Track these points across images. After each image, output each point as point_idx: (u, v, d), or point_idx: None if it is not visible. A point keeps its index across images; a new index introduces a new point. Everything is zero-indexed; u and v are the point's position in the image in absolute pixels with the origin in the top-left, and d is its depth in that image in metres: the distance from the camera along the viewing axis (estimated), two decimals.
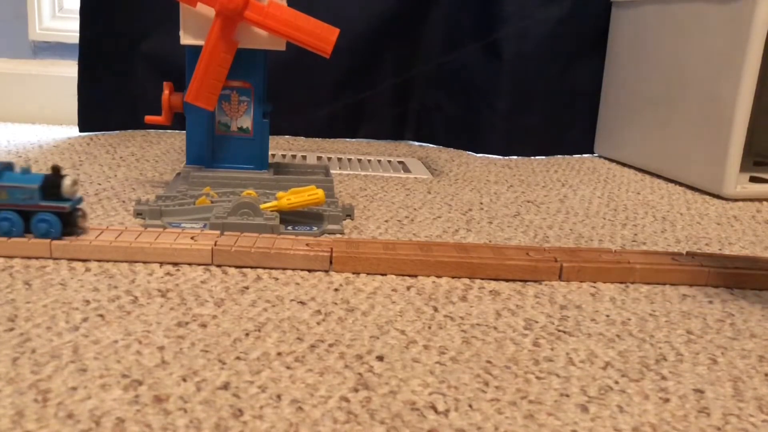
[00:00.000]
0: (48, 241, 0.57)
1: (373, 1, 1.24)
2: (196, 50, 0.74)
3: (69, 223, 0.59)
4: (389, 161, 1.13)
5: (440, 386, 0.41)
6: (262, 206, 0.67)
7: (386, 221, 0.76)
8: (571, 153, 1.32)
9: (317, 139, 1.31)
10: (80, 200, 0.60)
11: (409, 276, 0.59)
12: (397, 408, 0.38)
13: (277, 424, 0.36)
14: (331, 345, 0.45)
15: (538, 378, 0.43)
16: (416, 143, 1.35)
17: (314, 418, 0.37)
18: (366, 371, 0.42)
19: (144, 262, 0.58)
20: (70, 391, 0.38)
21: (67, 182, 0.58)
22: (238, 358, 0.43)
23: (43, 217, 0.58)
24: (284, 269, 0.59)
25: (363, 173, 1.02)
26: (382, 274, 0.59)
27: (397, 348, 0.46)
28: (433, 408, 0.39)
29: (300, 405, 0.38)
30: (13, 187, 0.57)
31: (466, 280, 0.59)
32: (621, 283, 0.61)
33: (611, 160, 1.27)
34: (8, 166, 0.58)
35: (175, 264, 0.58)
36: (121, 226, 0.63)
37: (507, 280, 0.60)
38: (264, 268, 0.59)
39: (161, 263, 0.58)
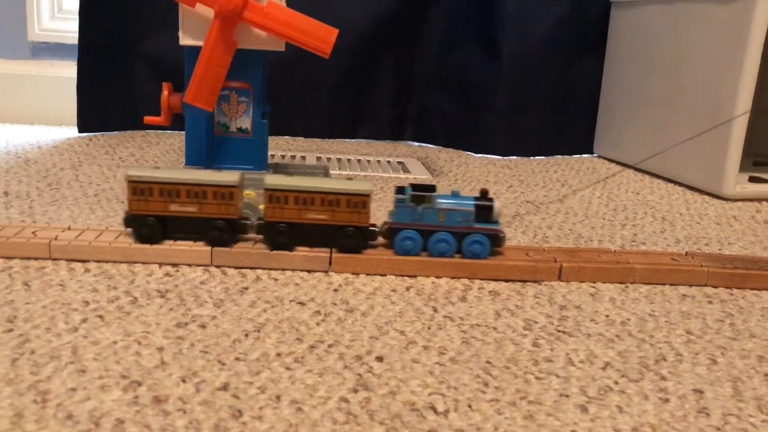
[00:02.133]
0: (47, 241, 0.57)
1: (372, 2, 1.24)
2: (195, 51, 0.74)
3: (496, 244, 0.60)
4: (389, 162, 1.13)
5: (440, 387, 0.41)
6: (261, 207, 0.67)
7: (386, 221, 0.76)
8: (570, 153, 1.32)
9: (317, 139, 1.31)
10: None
11: (408, 276, 0.59)
12: (397, 408, 0.38)
13: (276, 424, 0.36)
14: (330, 345, 0.45)
15: (537, 378, 0.43)
16: (416, 143, 1.35)
17: (314, 418, 0.37)
18: (365, 372, 0.42)
19: (143, 263, 0.58)
20: (70, 392, 0.38)
21: (498, 205, 0.60)
22: (237, 358, 0.43)
23: (477, 239, 0.59)
24: (283, 270, 0.59)
25: (362, 174, 1.02)
26: (382, 275, 0.59)
27: (396, 348, 0.46)
28: (433, 408, 0.39)
29: (299, 406, 0.38)
30: (451, 210, 0.59)
31: (466, 281, 0.59)
32: (621, 283, 0.61)
33: (611, 160, 1.27)
34: (432, 189, 0.60)
35: (174, 265, 0.58)
36: (120, 227, 0.63)
37: (506, 281, 0.60)
38: (263, 268, 0.59)
39: (160, 264, 0.58)
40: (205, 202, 0.58)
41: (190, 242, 0.59)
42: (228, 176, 0.59)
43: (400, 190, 0.61)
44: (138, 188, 0.58)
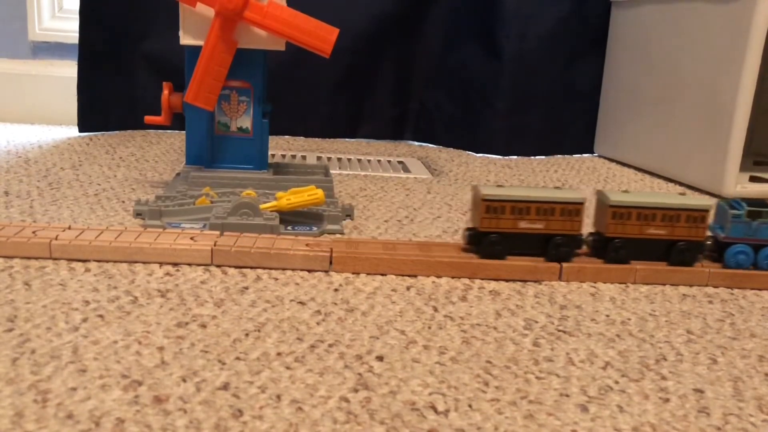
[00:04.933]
0: (48, 240, 0.57)
1: (373, 1, 1.24)
2: (195, 50, 0.74)
3: None
4: (389, 161, 1.13)
5: (440, 386, 0.41)
6: (261, 206, 0.67)
7: (386, 221, 0.76)
8: (571, 153, 1.32)
9: (317, 139, 1.31)
10: None
11: (408, 276, 0.59)
12: (397, 408, 0.38)
13: (276, 424, 0.36)
14: (330, 345, 0.45)
15: (538, 378, 0.43)
16: (416, 143, 1.35)
17: (314, 418, 0.37)
18: (366, 371, 0.42)
19: (144, 263, 0.58)
20: (70, 392, 0.38)
21: None
22: (237, 358, 0.43)
23: None
24: (284, 269, 0.59)
25: (363, 173, 1.02)
26: (382, 274, 0.59)
27: (396, 348, 0.46)
28: (433, 408, 0.39)
29: (300, 405, 0.38)
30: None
31: (466, 280, 0.59)
32: (621, 283, 0.61)
33: (611, 160, 1.27)
34: (766, 205, 0.61)
35: (174, 264, 0.58)
36: (120, 227, 0.63)
37: (507, 280, 0.60)
38: (264, 268, 0.59)
39: (161, 263, 0.58)
40: (552, 218, 0.59)
41: (191, 241, 0.59)
42: (576, 194, 0.60)
43: (732, 205, 0.62)
44: (491, 206, 0.59)
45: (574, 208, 0.59)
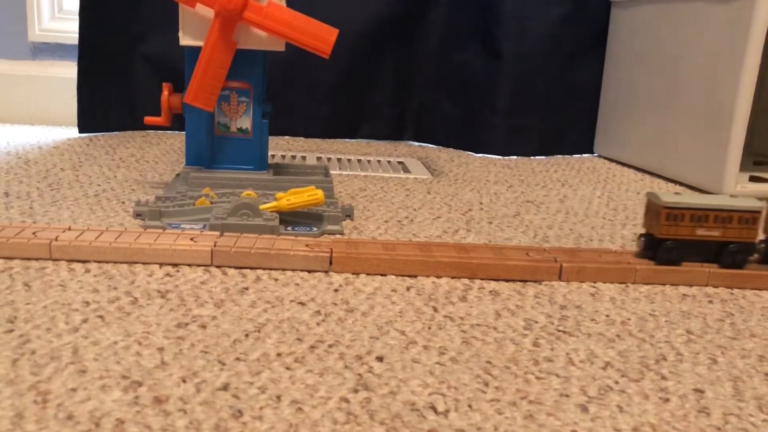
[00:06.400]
0: (48, 241, 0.57)
1: (372, 2, 1.24)
2: (195, 51, 0.74)
3: None
4: (389, 161, 1.13)
5: (440, 386, 0.41)
6: (261, 207, 0.67)
7: (386, 221, 0.76)
8: (571, 153, 1.32)
9: (317, 139, 1.31)
10: None
11: (408, 276, 0.59)
12: (397, 408, 0.38)
13: (276, 425, 0.36)
14: (330, 346, 0.45)
15: (538, 378, 0.43)
16: (416, 143, 1.35)
17: (314, 418, 0.37)
18: (366, 372, 0.42)
19: (143, 263, 0.58)
20: (70, 393, 0.38)
21: None
22: (237, 359, 0.43)
23: None
24: (284, 270, 0.59)
25: (363, 174, 1.02)
26: (382, 275, 0.59)
27: (396, 348, 0.46)
28: (433, 408, 0.39)
29: (300, 406, 0.38)
30: None
31: (466, 281, 0.59)
32: (621, 283, 0.61)
33: (611, 160, 1.27)
34: None
35: (174, 265, 0.58)
36: (120, 227, 0.63)
37: (507, 281, 0.60)
38: (264, 268, 0.59)
39: (161, 264, 0.58)
40: (729, 226, 0.60)
41: (191, 242, 0.59)
42: (752, 202, 0.61)
43: None
44: (672, 214, 0.60)
45: (750, 216, 0.60)
